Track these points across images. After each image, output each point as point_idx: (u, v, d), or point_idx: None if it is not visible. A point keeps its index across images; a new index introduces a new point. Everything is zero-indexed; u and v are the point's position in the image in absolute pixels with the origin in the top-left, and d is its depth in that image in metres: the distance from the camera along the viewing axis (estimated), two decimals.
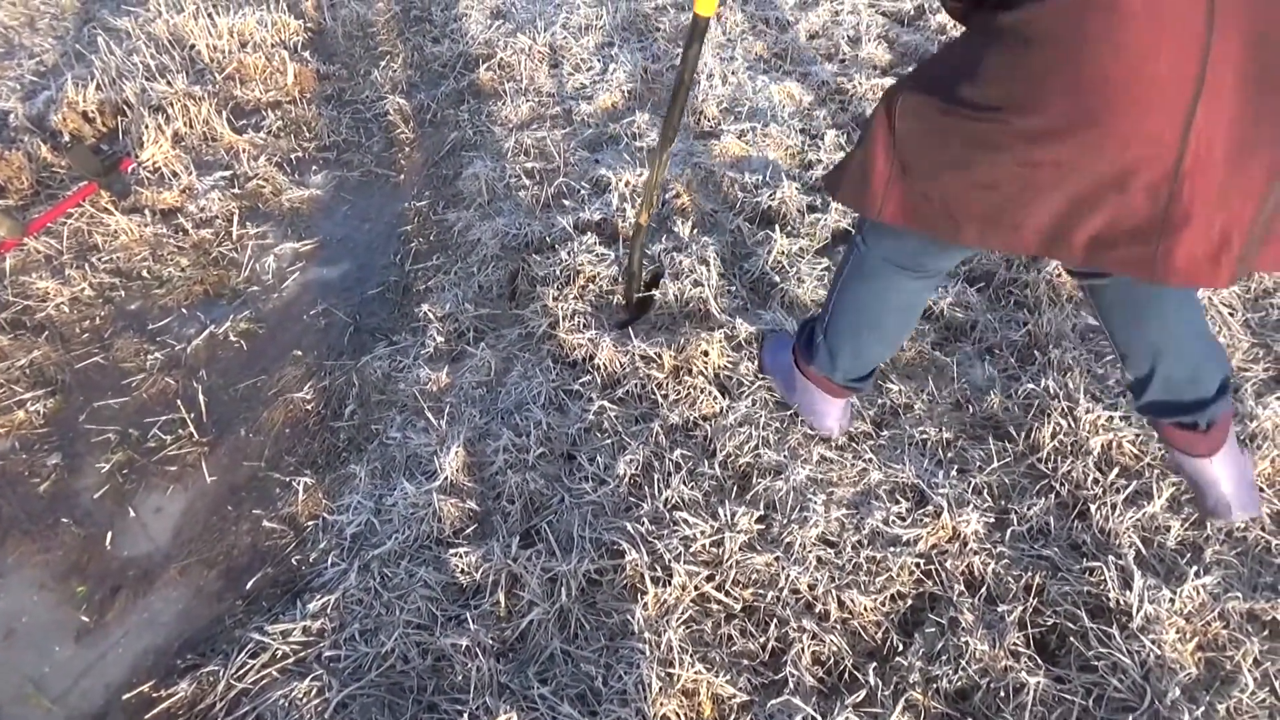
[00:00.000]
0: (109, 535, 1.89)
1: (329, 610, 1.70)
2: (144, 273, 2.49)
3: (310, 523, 1.88)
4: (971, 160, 1.20)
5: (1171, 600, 1.60)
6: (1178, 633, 1.56)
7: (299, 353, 2.26)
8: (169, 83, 3.09)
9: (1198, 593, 1.62)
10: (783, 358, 1.97)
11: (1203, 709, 1.45)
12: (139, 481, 1.99)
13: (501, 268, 2.42)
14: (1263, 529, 1.73)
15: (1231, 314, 2.20)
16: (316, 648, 1.65)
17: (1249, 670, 1.50)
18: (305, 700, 1.57)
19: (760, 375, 2.06)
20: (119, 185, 2.67)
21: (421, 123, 3.11)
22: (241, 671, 1.61)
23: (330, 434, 2.06)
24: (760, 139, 2.88)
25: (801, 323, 1.90)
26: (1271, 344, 2.13)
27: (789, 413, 1.99)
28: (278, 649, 1.64)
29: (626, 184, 2.65)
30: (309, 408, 2.12)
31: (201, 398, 2.13)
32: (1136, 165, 1.08)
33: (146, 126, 2.86)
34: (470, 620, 1.65)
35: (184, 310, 2.39)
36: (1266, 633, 1.58)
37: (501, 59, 3.36)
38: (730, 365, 2.08)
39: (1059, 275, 2.29)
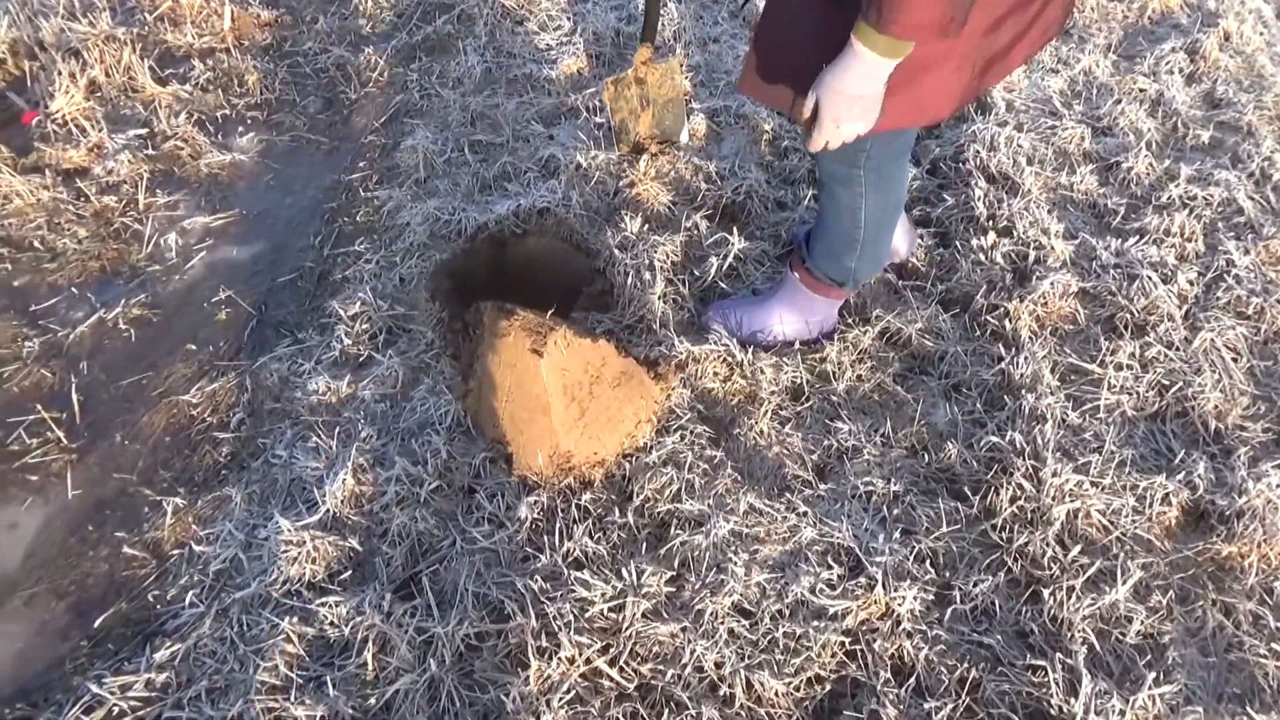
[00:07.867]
0: None
1: (177, 662, 1.52)
2: (36, 243, 2.25)
3: (175, 551, 1.69)
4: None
5: (1121, 713, 1.40)
6: None
7: (193, 347, 2.04)
8: (92, 22, 2.81)
9: (1153, 703, 1.42)
10: (759, 314, 1.98)
11: None
12: None
13: (427, 258, 2.18)
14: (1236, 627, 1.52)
15: (1235, 359, 1.96)
16: (157, 706, 1.47)
17: None
18: None
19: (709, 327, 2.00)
20: (17, 140, 2.43)
21: (365, 81, 2.83)
22: None
23: (213, 446, 1.86)
24: (734, 120, 2.61)
25: (814, 253, 1.86)
26: (1276, 398, 1.90)
27: (719, 453, 1.77)
28: (114, 705, 1.47)
29: (578, 168, 2.40)
30: (194, 413, 1.92)
31: (76, 395, 1.93)
32: None
33: (59, 73, 2.59)
34: (331, 685, 1.47)
35: (74, 290, 2.16)
36: None
37: (462, 10, 3.06)
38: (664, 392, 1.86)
39: (1045, 305, 2.04)
